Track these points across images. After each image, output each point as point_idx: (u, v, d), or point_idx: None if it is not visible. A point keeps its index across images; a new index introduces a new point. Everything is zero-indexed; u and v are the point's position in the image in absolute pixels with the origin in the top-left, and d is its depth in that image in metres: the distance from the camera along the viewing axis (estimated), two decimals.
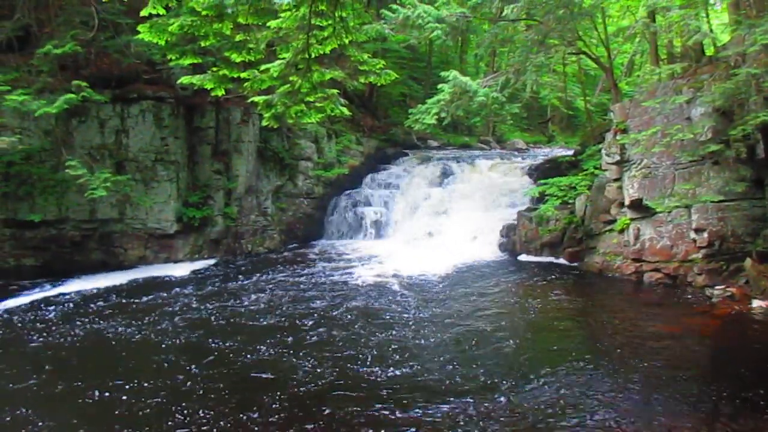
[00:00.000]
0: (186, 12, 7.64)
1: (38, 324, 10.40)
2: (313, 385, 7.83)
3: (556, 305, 11.49)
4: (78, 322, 10.45)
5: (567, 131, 35.74)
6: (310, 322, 10.38)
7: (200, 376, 8.14)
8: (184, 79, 9.23)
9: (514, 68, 17.42)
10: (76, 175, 12.81)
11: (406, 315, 10.82)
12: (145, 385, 7.86)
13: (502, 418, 6.86)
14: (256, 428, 6.72)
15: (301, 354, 8.90)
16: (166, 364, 8.64)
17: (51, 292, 12.62)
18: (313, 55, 7.94)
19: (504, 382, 7.87)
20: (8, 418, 6.94)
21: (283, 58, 8.18)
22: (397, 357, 8.76)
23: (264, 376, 8.19)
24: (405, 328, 10.10)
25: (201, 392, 7.66)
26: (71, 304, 11.64)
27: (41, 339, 9.65)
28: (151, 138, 14.96)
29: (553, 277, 13.62)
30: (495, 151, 27.31)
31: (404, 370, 8.26)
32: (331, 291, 12.49)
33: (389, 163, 22.19)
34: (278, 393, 7.58)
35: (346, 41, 7.98)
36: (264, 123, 9.35)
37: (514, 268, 14.66)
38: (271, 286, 12.95)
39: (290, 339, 9.57)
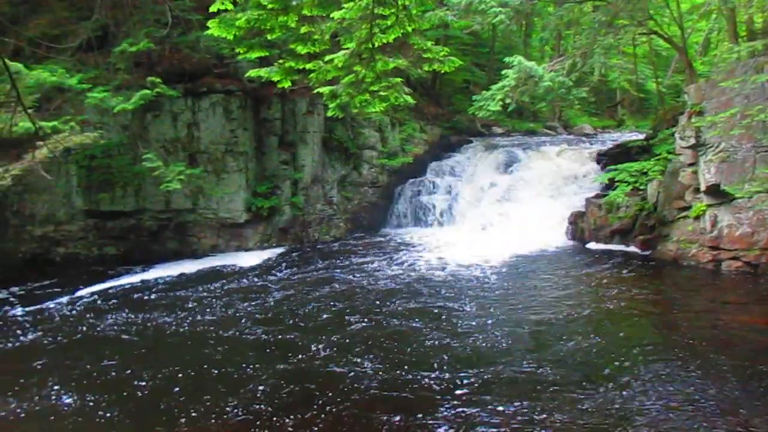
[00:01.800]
0: (252, 6, 7.84)
1: (124, 308, 10.98)
2: (374, 383, 7.61)
3: (630, 295, 11.11)
4: (156, 308, 10.97)
5: (637, 115, 34.45)
6: (374, 313, 10.38)
7: (261, 367, 8.27)
8: (252, 72, 9.45)
9: (580, 51, 16.90)
10: (152, 168, 13.38)
11: (472, 307, 10.65)
12: (205, 371, 8.18)
13: (586, 419, 6.61)
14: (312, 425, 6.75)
15: (363, 347, 8.78)
16: (229, 353, 8.91)
17: (132, 278, 13.27)
18: (376, 45, 7.96)
19: (585, 380, 7.55)
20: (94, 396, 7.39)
21: (347, 49, 8.27)
22: (467, 353, 8.56)
23: (322, 370, 8.08)
24: (472, 321, 9.91)
25: (256, 385, 7.72)
26: (152, 291, 12.20)
27: (122, 323, 10.18)
28: (220, 130, 15.43)
29: (625, 265, 13.23)
30: (561, 136, 26.67)
31: (475, 369, 7.94)
32: (396, 281, 12.54)
33: (453, 151, 22.03)
34: (338, 389, 7.48)
35: (410, 29, 7.96)
36: (329, 113, 9.48)
37: (582, 256, 14.34)
38: (336, 274, 13.15)
39: (353, 330, 9.59)
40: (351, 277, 12.91)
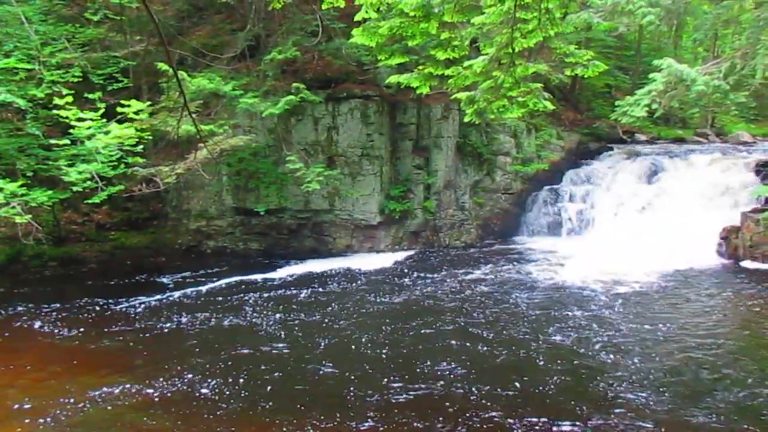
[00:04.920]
0: (395, 14, 8.06)
1: (263, 301, 11.71)
2: (491, 403, 7.26)
3: None
4: (291, 303, 11.60)
5: None
6: (499, 327, 10.04)
7: (378, 375, 8.31)
8: (392, 78, 9.72)
9: (740, 52, 15.57)
10: (294, 169, 14.18)
11: (608, 330, 9.82)
12: (331, 369, 8.46)
13: None
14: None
15: (477, 372, 8.25)
16: (355, 354, 9.16)
17: (272, 273, 14.09)
18: (516, 49, 7.89)
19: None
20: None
21: (487, 54, 8.26)
22: (602, 386, 7.77)
23: (440, 392, 7.70)
24: (608, 347, 9.09)
25: (375, 387, 7.80)
26: (289, 286, 12.91)
27: (260, 315, 10.84)
28: (358, 134, 15.96)
29: None
30: (714, 144, 24.64)
31: (626, 420, 6.87)
32: (524, 293, 12.19)
33: (592, 158, 21.14)
34: (456, 406, 7.30)
35: (552, 33, 7.81)
36: (466, 119, 9.51)
37: (736, 277, 13.18)
38: (462, 283, 13.03)
39: (471, 350, 9.19)
40: (478, 287, 12.68)
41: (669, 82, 14.67)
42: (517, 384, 7.76)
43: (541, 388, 7.70)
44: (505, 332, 9.78)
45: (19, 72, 12.91)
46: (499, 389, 7.65)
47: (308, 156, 15.65)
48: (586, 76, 8.96)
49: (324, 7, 7.89)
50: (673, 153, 20.19)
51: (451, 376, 8.04)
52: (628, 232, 16.73)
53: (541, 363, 8.52)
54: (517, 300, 11.63)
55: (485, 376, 8.05)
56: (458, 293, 12.12)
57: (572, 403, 7.26)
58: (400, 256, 15.88)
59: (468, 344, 9.23)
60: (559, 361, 8.51)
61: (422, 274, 13.71)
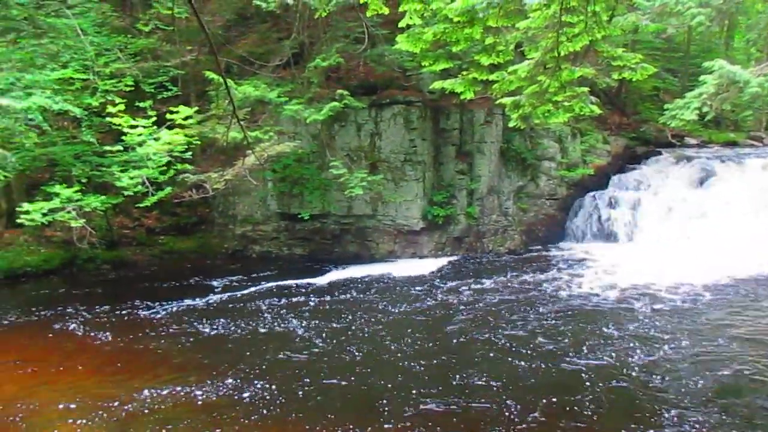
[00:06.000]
0: (439, 20, 8.08)
1: (307, 306, 11.85)
2: (527, 420, 7.02)
3: None
4: (333, 308, 11.69)
5: None
6: (539, 338, 9.73)
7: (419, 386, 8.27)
8: (436, 84, 9.74)
9: None
10: (338, 175, 14.31)
11: (657, 344, 9.33)
12: (371, 376, 8.51)
13: None
14: None
15: (517, 380, 8.11)
16: (391, 356, 9.20)
17: (316, 279, 14.23)
18: (562, 53, 7.81)
19: None
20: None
21: (532, 58, 8.20)
22: (649, 406, 7.31)
23: (470, 398, 7.62)
24: (656, 363, 8.62)
25: (412, 404, 7.73)
26: (333, 291, 13.02)
27: (303, 319, 10.96)
28: (401, 140, 16.00)
29: None
30: None
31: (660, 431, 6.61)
32: (568, 302, 11.89)
33: (639, 163, 20.68)
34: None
35: (599, 36, 7.71)
36: (511, 124, 9.47)
37: None
38: (506, 289, 12.86)
39: (512, 354, 9.09)
40: (521, 295, 12.46)
41: (721, 84, 14.25)
42: (555, 400, 7.51)
43: (581, 405, 7.40)
44: (545, 344, 9.51)
45: (75, 82, 13.43)
46: (536, 405, 7.41)
47: (351, 162, 15.77)
48: (633, 80, 8.82)
49: (369, 14, 7.99)
50: (725, 157, 19.61)
51: (486, 389, 7.90)
52: (678, 239, 16.32)
53: (583, 378, 8.19)
54: (559, 309, 11.39)
55: (522, 390, 7.85)
56: (499, 301, 11.97)
57: (615, 423, 7.03)
58: (443, 261, 15.83)
59: (506, 356, 9.04)
60: (602, 378, 8.15)
61: (464, 281, 13.63)
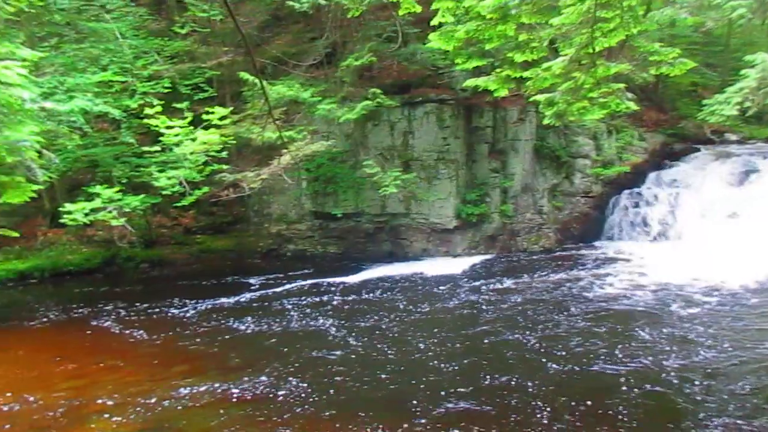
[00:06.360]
0: (471, 18, 8.06)
1: (340, 304, 11.96)
2: (559, 424, 6.83)
3: None
4: (366, 306, 11.76)
5: None
6: (573, 339, 9.51)
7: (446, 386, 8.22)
8: (469, 82, 9.70)
9: None
10: (371, 173, 14.38)
11: (695, 348, 8.87)
12: (403, 373, 8.48)
13: None
14: None
15: (550, 381, 7.93)
16: (422, 354, 9.19)
17: (349, 277, 14.32)
18: (597, 49, 7.71)
19: None
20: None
21: (566, 55, 8.11)
22: (687, 412, 7.01)
23: (501, 399, 7.54)
24: (694, 368, 8.20)
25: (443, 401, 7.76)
26: (366, 289, 13.10)
27: (337, 317, 11.05)
28: (434, 138, 16.00)
29: None
30: None
31: None
32: (603, 302, 11.60)
33: (677, 160, 20.25)
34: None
35: (634, 31, 7.59)
36: (545, 121, 9.36)
37: None
38: (540, 288, 12.73)
39: (545, 355, 8.92)
40: (554, 294, 12.28)
41: (763, 78, 13.85)
42: (588, 403, 7.30)
43: (616, 410, 7.16)
44: (577, 346, 9.31)
45: (114, 84, 13.78)
46: (568, 409, 7.25)
47: (384, 160, 15.84)
48: (671, 75, 8.65)
49: (401, 13, 8.01)
50: (767, 153, 19.08)
51: (518, 390, 7.79)
52: (717, 239, 15.92)
53: (617, 382, 7.95)
54: (593, 310, 11.16)
55: (554, 393, 7.70)
56: (531, 301, 11.85)
57: (653, 430, 6.83)
58: (477, 260, 15.76)
59: (538, 357, 8.90)
60: (637, 382, 7.88)
61: (497, 280, 13.56)
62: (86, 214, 11.39)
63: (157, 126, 11.77)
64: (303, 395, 7.73)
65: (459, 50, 8.74)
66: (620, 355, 8.80)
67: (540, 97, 8.80)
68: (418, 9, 7.73)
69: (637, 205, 18.09)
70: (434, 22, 7.91)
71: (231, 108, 12.29)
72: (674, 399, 7.42)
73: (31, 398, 7.69)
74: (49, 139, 11.12)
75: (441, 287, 13.06)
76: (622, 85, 8.34)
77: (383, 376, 8.30)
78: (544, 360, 8.74)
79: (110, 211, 11.69)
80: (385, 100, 14.74)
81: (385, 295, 12.58)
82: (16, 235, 12.34)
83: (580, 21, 7.44)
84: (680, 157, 20.50)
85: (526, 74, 8.67)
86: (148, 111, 11.88)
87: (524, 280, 13.41)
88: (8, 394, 7.77)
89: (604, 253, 16.20)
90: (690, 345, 9.13)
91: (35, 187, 9.42)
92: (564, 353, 8.97)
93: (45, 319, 11.50)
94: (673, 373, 8.12)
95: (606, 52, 8.20)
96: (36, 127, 8.68)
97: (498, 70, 8.96)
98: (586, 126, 18.09)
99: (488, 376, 8.17)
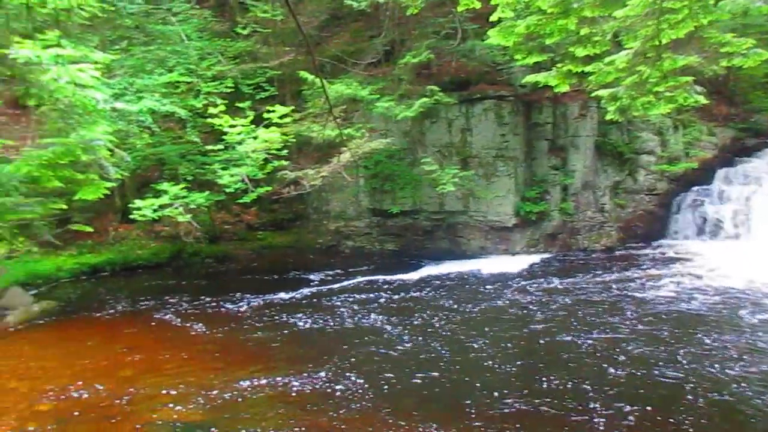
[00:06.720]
0: (531, 12, 7.95)
1: (396, 301, 12.03)
2: None
3: None
4: (420, 305, 11.76)
5: None
6: (634, 343, 9.12)
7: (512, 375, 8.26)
8: (529, 78, 9.59)
9: None
10: (429, 171, 14.38)
11: (762, 360, 8.29)
12: (461, 374, 8.42)
13: None
14: None
15: (609, 387, 7.62)
16: (477, 354, 9.11)
17: (407, 275, 14.37)
18: (663, 42, 7.48)
19: None
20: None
21: (630, 48, 7.90)
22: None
23: (558, 403, 7.34)
24: (765, 386, 7.60)
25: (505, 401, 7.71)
26: (423, 287, 13.11)
27: (394, 314, 11.10)
28: (492, 135, 15.84)
29: None
30: None
31: None
32: (667, 305, 11.11)
33: (749, 156, 19.37)
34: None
35: (704, 22, 7.32)
36: (608, 117, 9.15)
37: None
38: (601, 289, 12.38)
39: (604, 360, 8.69)
40: (616, 295, 11.87)
41: None
42: (648, 410, 6.99)
43: (677, 419, 6.77)
44: (638, 350, 8.95)
45: (180, 85, 14.26)
46: (628, 415, 6.93)
47: (442, 158, 15.80)
48: (743, 67, 8.29)
49: (459, 9, 7.98)
50: None
51: (575, 394, 7.56)
52: None
53: (679, 389, 7.57)
54: (655, 312, 10.73)
55: (612, 398, 7.42)
56: (591, 301, 11.56)
57: None
58: (536, 258, 15.53)
59: (596, 360, 8.63)
60: (701, 390, 7.48)
61: (556, 279, 13.31)
62: (154, 210, 11.87)
63: (220, 125, 12.13)
64: (360, 391, 7.79)
65: (518, 46, 8.63)
66: (683, 361, 8.43)
67: (603, 92, 8.62)
68: (477, 5, 7.68)
69: (705, 203, 17.42)
70: (493, 17, 7.86)
71: (291, 107, 12.54)
72: (741, 410, 7.06)
73: (100, 387, 8.01)
74: (120, 138, 11.61)
75: (498, 286, 12.94)
76: (690, 78, 8.07)
77: (437, 374, 8.28)
78: (602, 363, 8.48)
79: (177, 208, 12.12)
80: (443, 98, 14.69)
81: (441, 293, 12.56)
82: (90, 230, 12.95)
83: (646, 12, 7.24)
84: (752, 152, 19.60)
85: (588, 69, 8.51)
86: (212, 110, 12.25)
87: (584, 280, 13.13)
88: (79, 383, 8.13)
89: (669, 253, 15.68)
90: (759, 354, 8.66)
91: (108, 185, 9.83)
92: (623, 357, 8.68)
93: (113, 311, 11.98)
94: (740, 383, 7.70)
95: (672, 44, 7.93)
96: (108, 126, 9.09)
97: (559, 65, 8.81)
98: (650, 121, 17.56)
99: (544, 378, 8.01)
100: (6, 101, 12.93)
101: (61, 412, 7.27)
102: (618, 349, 8.95)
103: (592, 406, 7.14)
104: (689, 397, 7.39)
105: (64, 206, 9.40)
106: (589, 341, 9.35)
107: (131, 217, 12.43)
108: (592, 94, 9.25)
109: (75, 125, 8.53)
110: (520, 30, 7.93)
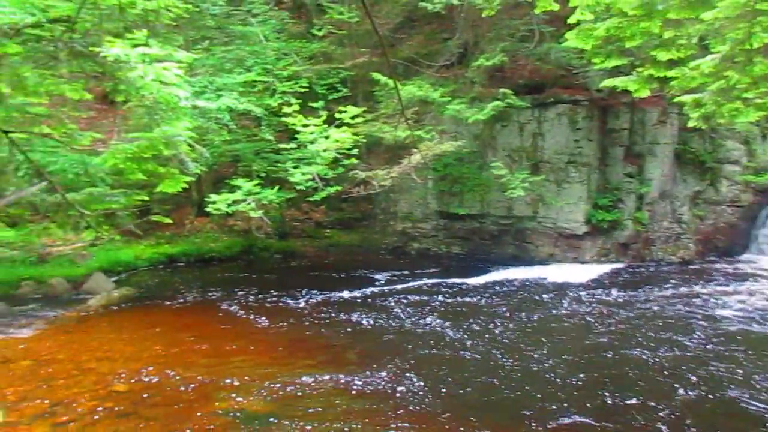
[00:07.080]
0: (612, 15, 7.72)
1: (461, 304, 11.95)
2: None
3: None
4: (490, 308, 11.63)
5: None
6: (708, 365, 8.64)
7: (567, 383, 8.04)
8: (607, 82, 9.31)
9: None
10: (498, 175, 14.22)
11: None
12: (522, 383, 8.26)
13: None
14: None
15: (677, 409, 7.27)
16: (539, 364, 8.89)
17: (474, 279, 14.22)
18: (755, 45, 7.11)
19: None
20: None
21: (718, 52, 7.55)
22: None
23: (620, 420, 7.21)
24: None
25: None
26: (490, 292, 12.97)
27: (453, 318, 11.03)
28: (565, 140, 15.50)
29: None
30: None
31: None
32: (748, 325, 10.53)
33: None
34: None
35: None
36: (691, 123, 8.77)
37: None
38: (676, 304, 11.77)
39: (673, 379, 8.25)
40: (692, 312, 11.23)
41: None
42: None
43: None
44: (711, 370, 8.48)
45: (257, 84, 14.66)
46: None
47: (512, 162, 15.59)
48: None
49: (537, 11, 7.85)
50: None
51: (643, 413, 7.25)
52: None
53: (758, 413, 7.18)
54: (733, 332, 10.13)
55: (682, 418, 7.05)
56: (664, 316, 11.07)
57: None
58: (607, 268, 15.06)
59: (666, 379, 8.25)
60: None
61: (627, 291, 12.84)
62: (228, 205, 12.26)
63: (293, 124, 12.39)
64: (419, 394, 7.77)
65: (597, 49, 8.40)
66: (758, 386, 7.95)
67: (686, 98, 8.27)
68: (556, 7, 7.53)
69: None
70: (571, 20, 7.68)
71: (363, 108, 12.67)
72: None
73: (171, 373, 8.33)
74: (199, 135, 12.04)
75: (565, 294, 12.62)
76: None
77: (497, 382, 8.16)
78: (672, 382, 8.12)
79: (249, 203, 12.46)
80: (516, 101, 14.50)
81: (506, 299, 12.38)
82: (169, 221, 13.48)
83: (737, 15, 6.90)
84: None
85: (670, 74, 8.19)
86: (286, 110, 12.54)
87: (656, 293, 12.63)
88: (150, 367, 8.49)
89: (752, 269, 14.90)
90: None
91: (187, 179, 10.18)
92: (694, 377, 8.27)
93: (185, 300, 12.45)
94: None
95: (765, 48, 7.54)
96: (189, 123, 9.40)
97: (639, 69, 8.53)
98: (736, 129, 16.71)
99: (608, 393, 7.75)
100: (96, 97, 13.65)
101: (135, 394, 7.62)
102: (689, 368, 8.55)
103: (659, 426, 6.87)
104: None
105: (146, 198, 9.80)
106: (659, 358, 8.98)
107: (206, 210, 12.87)
108: (674, 100, 8.91)
109: (159, 121, 8.88)
110: (599, 33, 7.72)
